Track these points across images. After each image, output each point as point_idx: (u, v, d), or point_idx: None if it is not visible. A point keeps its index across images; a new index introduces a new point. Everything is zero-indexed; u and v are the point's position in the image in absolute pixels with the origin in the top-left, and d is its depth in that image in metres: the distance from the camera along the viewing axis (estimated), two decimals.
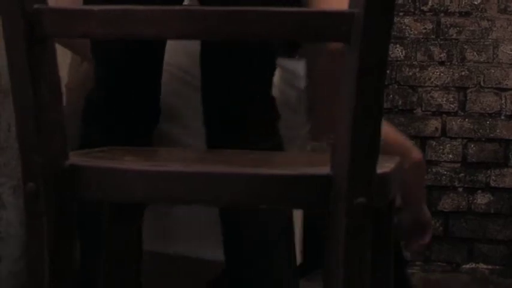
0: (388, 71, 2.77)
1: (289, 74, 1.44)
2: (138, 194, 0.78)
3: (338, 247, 0.75)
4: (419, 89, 3.12)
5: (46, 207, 0.76)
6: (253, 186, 0.77)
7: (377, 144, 0.76)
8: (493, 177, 3.09)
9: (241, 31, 0.74)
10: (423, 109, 3.11)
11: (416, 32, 3.11)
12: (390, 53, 2.85)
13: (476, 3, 3.09)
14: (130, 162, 0.91)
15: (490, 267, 3.08)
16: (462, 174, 3.07)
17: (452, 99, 3.09)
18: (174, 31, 0.74)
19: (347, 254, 0.74)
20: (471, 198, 3.07)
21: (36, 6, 0.76)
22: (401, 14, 3.08)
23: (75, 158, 0.81)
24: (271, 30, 0.74)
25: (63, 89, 1.31)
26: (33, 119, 0.76)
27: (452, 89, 3.10)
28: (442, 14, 3.10)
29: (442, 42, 3.10)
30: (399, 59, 3.11)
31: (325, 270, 0.79)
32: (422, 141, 3.08)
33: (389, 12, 0.75)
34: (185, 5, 0.75)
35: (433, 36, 3.10)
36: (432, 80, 3.11)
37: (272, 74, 1.24)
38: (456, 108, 3.09)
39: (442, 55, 3.10)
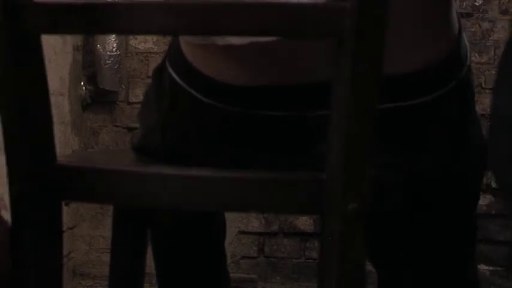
0: None
1: None
2: (123, 196, 0.77)
3: (332, 252, 0.74)
4: None
5: (32, 208, 0.75)
6: (244, 189, 0.76)
7: (371, 147, 0.75)
8: (494, 179, 3.08)
9: (225, 27, 0.72)
10: None
11: None
12: None
13: (477, 4, 3.07)
14: (117, 163, 0.90)
15: (491, 268, 3.06)
16: None
17: None
18: (157, 26, 0.73)
19: (340, 260, 0.73)
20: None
21: (20, 1, 0.74)
22: None
23: (62, 159, 0.79)
24: (255, 27, 0.72)
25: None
26: (18, 118, 0.74)
27: None
28: None
29: None
30: None
31: (319, 273, 0.78)
32: None
33: (383, 5, 0.72)
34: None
35: None
36: None
37: None
38: None
39: None
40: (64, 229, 2.87)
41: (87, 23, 0.74)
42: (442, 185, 1.03)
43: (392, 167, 0.97)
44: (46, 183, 0.76)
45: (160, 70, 1.09)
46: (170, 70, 1.03)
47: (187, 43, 0.99)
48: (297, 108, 0.95)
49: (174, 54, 1.03)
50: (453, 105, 0.99)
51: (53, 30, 0.78)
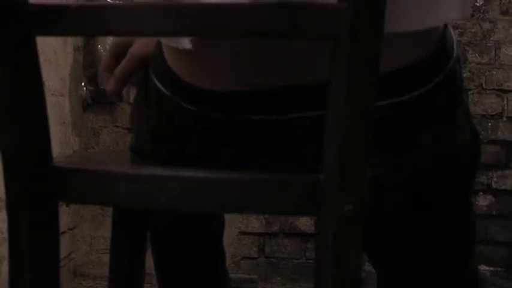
0: None
1: None
2: (119, 197, 0.76)
3: (327, 253, 0.74)
4: None
5: (29, 209, 0.75)
6: (241, 191, 0.76)
7: (368, 147, 0.74)
8: (495, 179, 3.08)
9: (223, 27, 0.72)
10: None
11: None
12: None
13: (478, 4, 3.07)
14: (113, 165, 0.90)
15: (491, 269, 3.07)
16: None
17: None
18: (154, 28, 0.73)
19: (336, 261, 0.73)
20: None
21: (17, 2, 0.73)
22: None
23: (60, 159, 0.79)
24: (252, 27, 0.71)
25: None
26: (14, 119, 0.74)
27: None
28: None
29: None
30: None
31: (315, 274, 0.78)
32: None
33: (379, 5, 0.71)
34: (166, 1, 0.72)
35: None
36: None
37: None
38: None
39: None
40: (65, 230, 2.87)
41: (84, 25, 0.74)
42: (442, 185, 1.03)
43: (392, 167, 0.97)
44: (42, 185, 0.76)
45: (145, 76, 1.09)
46: (154, 78, 1.03)
47: (168, 50, 1.00)
48: (283, 111, 0.96)
49: (156, 62, 1.04)
50: (441, 99, 0.99)
51: (49, 32, 0.78)
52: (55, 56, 2.71)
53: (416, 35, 0.95)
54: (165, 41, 0.99)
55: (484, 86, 3.08)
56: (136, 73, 1.17)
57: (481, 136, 1.13)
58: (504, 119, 3.08)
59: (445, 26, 1.01)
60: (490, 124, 3.07)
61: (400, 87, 0.94)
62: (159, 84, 1.02)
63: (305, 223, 3.10)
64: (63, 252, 2.82)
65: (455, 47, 1.02)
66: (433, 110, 0.98)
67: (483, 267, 3.03)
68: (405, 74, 0.94)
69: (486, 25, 3.08)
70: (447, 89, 0.99)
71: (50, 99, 2.76)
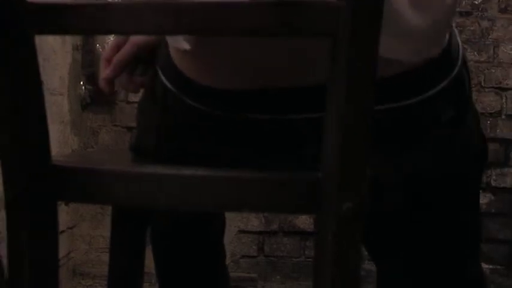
0: None
1: None
2: (119, 197, 0.76)
3: (326, 252, 0.74)
4: None
5: (28, 208, 0.75)
6: (241, 189, 0.76)
7: (368, 146, 0.74)
8: (494, 177, 3.08)
9: (222, 26, 0.72)
10: None
11: None
12: None
13: (476, 2, 3.07)
14: (113, 164, 0.90)
15: (491, 267, 3.06)
16: None
17: None
18: (154, 26, 0.72)
19: (335, 260, 0.73)
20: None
21: (15, 1, 0.73)
22: None
23: (59, 158, 0.79)
24: (251, 25, 0.71)
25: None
26: (13, 118, 0.74)
27: None
28: None
29: None
30: None
31: (315, 273, 0.78)
32: None
33: (378, 3, 0.71)
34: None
35: None
36: None
37: None
38: None
39: None
40: (64, 229, 2.87)
41: (83, 24, 0.73)
42: (442, 185, 1.03)
43: (392, 167, 0.97)
44: (41, 184, 0.76)
45: (152, 74, 1.09)
46: (161, 75, 1.03)
47: (172, 49, 1.00)
48: (283, 111, 0.96)
49: (163, 59, 1.04)
50: (448, 104, 0.99)
51: (48, 30, 0.78)
52: (54, 55, 2.71)
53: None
54: (169, 41, 0.99)
55: (482, 84, 3.08)
56: (143, 72, 1.17)
57: None
58: (503, 116, 3.07)
59: (451, 31, 1.00)
60: (488, 122, 3.07)
61: (402, 91, 0.94)
62: (165, 81, 1.02)
63: (304, 221, 3.10)
64: (62, 251, 2.82)
65: (460, 52, 1.02)
66: (437, 113, 0.98)
67: (483, 265, 3.03)
68: (407, 79, 0.94)
69: (485, 23, 3.08)
70: (455, 93, 0.99)
71: (48, 99, 2.76)
